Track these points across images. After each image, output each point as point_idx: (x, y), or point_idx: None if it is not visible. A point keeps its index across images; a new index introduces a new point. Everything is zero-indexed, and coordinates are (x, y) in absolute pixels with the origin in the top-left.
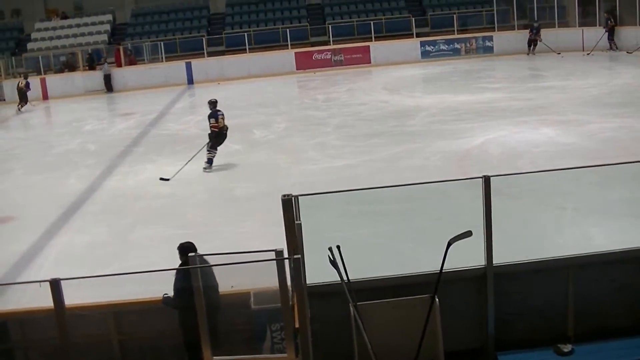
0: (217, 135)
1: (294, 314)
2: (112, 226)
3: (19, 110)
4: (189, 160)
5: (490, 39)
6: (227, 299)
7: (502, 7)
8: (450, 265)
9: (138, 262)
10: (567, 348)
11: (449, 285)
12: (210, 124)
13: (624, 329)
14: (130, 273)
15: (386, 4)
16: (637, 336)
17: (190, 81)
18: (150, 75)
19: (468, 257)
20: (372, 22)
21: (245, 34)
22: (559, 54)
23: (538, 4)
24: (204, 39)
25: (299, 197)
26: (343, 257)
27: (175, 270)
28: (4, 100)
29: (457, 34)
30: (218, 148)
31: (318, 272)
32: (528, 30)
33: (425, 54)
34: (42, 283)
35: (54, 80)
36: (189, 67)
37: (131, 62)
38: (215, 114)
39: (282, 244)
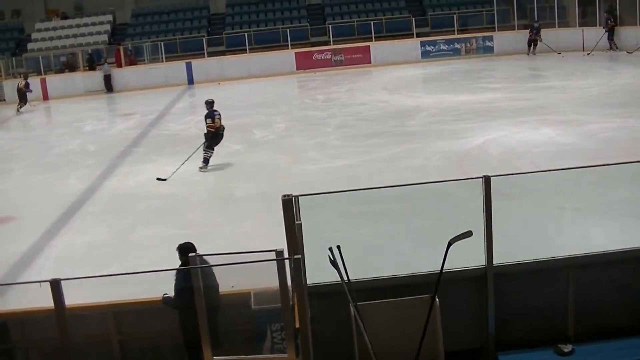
0: (214, 136)
1: (294, 314)
2: (112, 226)
3: (18, 111)
4: (185, 161)
5: (491, 39)
6: (228, 299)
7: (502, 7)
8: (451, 265)
9: (138, 262)
10: (567, 348)
11: (449, 286)
12: (206, 124)
13: (624, 329)
14: (130, 273)
15: (386, 4)
16: (638, 336)
17: (191, 81)
18: (150, 75)
19: (468, 257)
20: (372, 22)
21: (246, 34)
22: (560, 53)
23: (538, 4)
24: (204, 39)
25: (299, 197)
26: (343, 257)
27: (175, 271)
28: (4, 100)
29: (458, 34)
30: (215, 148)
31: (318, 272)
32: (528, 31)
33: (425, 54)
34: (42, 283)
35: (54, 81)
36: (189, 67)
37: (131, 63)
38: (211, 114)
39: (283, 244)
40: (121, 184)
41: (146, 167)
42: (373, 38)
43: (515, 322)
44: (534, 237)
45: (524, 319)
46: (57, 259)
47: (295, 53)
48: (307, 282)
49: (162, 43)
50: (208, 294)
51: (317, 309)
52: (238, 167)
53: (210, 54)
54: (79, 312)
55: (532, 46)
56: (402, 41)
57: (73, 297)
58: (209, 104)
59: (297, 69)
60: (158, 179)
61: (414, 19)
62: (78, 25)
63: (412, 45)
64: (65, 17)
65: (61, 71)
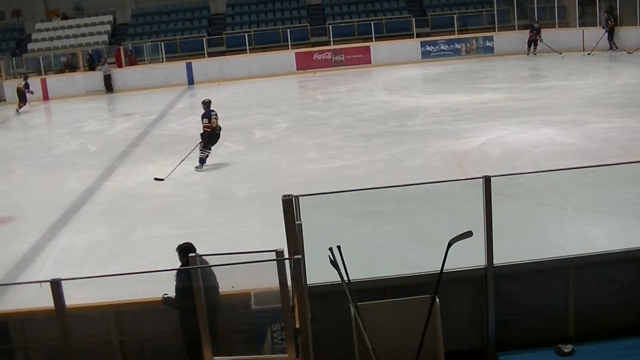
0: (210, 136)
1: (295, 315)
2: (112, 227)
3: (17, 111)
4: (182, 160)
5: (491, 39)
6: (228, 299)
7: (502, 8)
8: (451, 265)
9: (138, 262)
10: (567, 348)
11: (450, 286)
12: (203, 124)
13: (624, 329)
14: (130, 273)
15: (386, 4)
16: (638, 336)
17: (191, 81)
18: (150, 75)
19: (468, 257)
20: (372, 23)
21: (246, 34)
22: (561, 54)
23: (538, 4)
24: (204, 39)
25: (300, 198)
26: (343, 258)
27: (176, 271)
28: (5, 100)
29: (458, 34)
30: (212, 148)
31: (319, 273)
32: (528, 31)
33: (425, 54)
34: (42, 283)
35: (55, 81)
36: (189, 67)
37: (132, 63)
38: (208, 114)
39: (283, 245)
40: (121, 184)
41: (146, 167)
42: (373, 38)
43: (516, 323)
44: (534, 237)
45: (524, 319)
46: (57, 259)
47: (296, 53)
48: (308, 283)
49: (162, 43)
50: (208, 294)
51: (317, 309)
52: (238, 167)
53: (211, 54)
54: (80, 312)
55: (533, 46)
56: (403, 41)
57: (73, 298)
58: (206, 104)
59: (297, 69)
60: (156, 179)
61: (414, 19)
62: (78, 26)
63: (412, 46)
64: (65, 17)
65: (61, 71)
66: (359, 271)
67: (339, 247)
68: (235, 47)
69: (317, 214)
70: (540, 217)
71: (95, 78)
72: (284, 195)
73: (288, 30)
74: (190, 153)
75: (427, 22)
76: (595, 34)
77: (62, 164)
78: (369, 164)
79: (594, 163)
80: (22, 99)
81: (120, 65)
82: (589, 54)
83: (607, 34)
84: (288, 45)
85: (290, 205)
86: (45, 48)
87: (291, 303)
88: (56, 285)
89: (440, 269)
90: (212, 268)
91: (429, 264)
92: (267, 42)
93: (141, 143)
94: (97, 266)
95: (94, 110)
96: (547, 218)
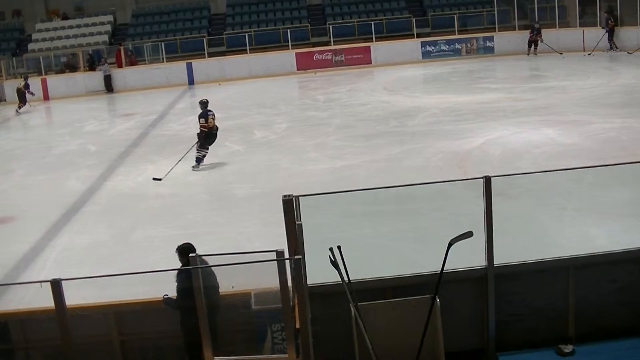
0: (207, 136)
1: (295, 315)
2: (112, 227)
3: (17, 111)
4: (179, 160)
5: (491, 39)
6: (228, 299)
7: (502, 8)
8: (451, 265)
9: (139, 262)
10: (568, 349)
11: (450, 286)
12: (200, 123)
13: (624, 329)
14: (130, 273)
15: (387, 4)
16: (638, 336)
17: (191, 82)
18: (150, 75)
19: (469, 257)
20: (372, 23)
21: (246, 34)
22: (562, 54)
23: (538, 4)
24: (204, 39)
25: (300, 198)
26: (344, 258)
27: (176, 272)
28: (5, 100)
29: (458, 34)
30: (209, 148)
31: (319, 273)
32: (529, 31)
33: (426, 55)
34: (43, 283)
35: (55, 81)
36: (189, 67)
37: (132, 63)
38: (205, 113)
39: (283, 245)
40: (121, 184)
41: (146, 168)
42: (374, 38)
43: (516, 323)
44: (534, 237)
45: (525, 320)
46: (58, 259)
47: (296, 53)
48: (308, 283)
49: (162, 43)
50: (209, 294)
51: (317, 309)
52: (238, 168)
53: (211, 54)
54: (80, 312)
55: (533, 46)
56: (403, 41)
57: (74, 298)
58: (203, 104)
59: (297, 69)
60: (154, 179)
61: (414, 19)
62: (79, 26)
63: (412, 46)
64: (65, 18)
65: (62, 71)
66: (359, 271)
67: (339, 247)
68: (236, 47)
69: (317, 214)
70: (541, 217)
71: (96, 78)
72: (284, 196)
73: (288, 30)
74: (187, 153)
75: (427, 22)
76: (596, 34)
77: (62, 164)
78: (370, 164)
79: (595, 163)
80: (22, 99)
81: (120, 66)
82: (589, 54)
83: (607, 34)
84: (288, 45)
85: (290, 205)
86: (45, 48)
87: (291, 303)
88: (56, 285)
89: (440, 269)
90: (212, 268)
91: (429, 264)
92: (267, 42)
93: (141, 143)
94: (97, 266)
95: (94, 110)
96: (547, 218)
